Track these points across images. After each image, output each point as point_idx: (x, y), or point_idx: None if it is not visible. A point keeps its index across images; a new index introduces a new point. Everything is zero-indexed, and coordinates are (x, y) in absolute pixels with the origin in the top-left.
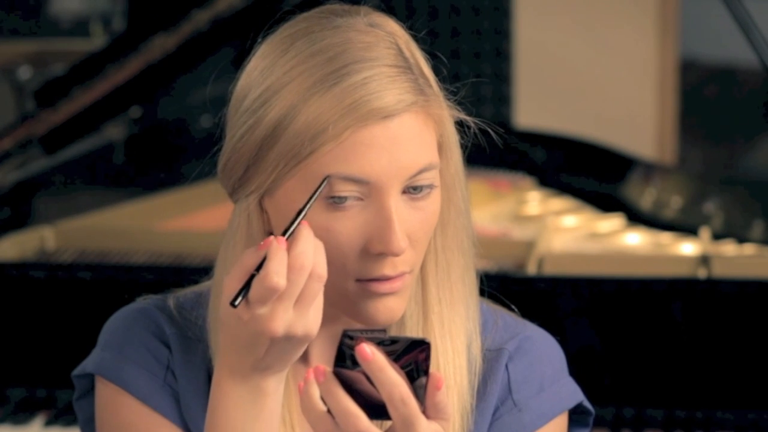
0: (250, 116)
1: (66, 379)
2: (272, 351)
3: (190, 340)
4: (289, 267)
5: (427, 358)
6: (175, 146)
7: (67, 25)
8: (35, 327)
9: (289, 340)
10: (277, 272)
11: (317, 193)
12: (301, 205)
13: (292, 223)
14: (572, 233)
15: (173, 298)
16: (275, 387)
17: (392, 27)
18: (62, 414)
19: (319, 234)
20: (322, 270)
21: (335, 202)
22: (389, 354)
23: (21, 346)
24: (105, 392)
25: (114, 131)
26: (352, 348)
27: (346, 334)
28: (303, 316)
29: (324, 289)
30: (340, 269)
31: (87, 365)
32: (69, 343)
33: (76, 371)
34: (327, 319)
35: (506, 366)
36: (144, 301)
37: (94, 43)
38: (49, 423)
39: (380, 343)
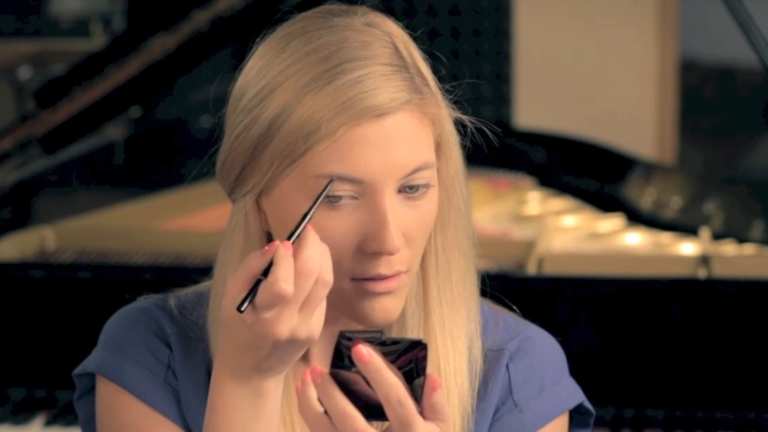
0: (246, 115)
1: (66, 379)
2: (274, 354)
3: (191, 339)
4: (296, 272)
5: (425, 359)
6: (175, 146)
7: (67, 25)
8: (35, 327)
9: (292, 343)
10: (285, 279)
11: (321, 196)
12: (297, 205)
13: (297, 226)
14: (572, 233)
15: (174, 298)
16: (275, 388)
17: (389, 26)
18: (62, 414)
19: None
20: (329, 275)
21: (330, 201)
22: (386, 355)
23: (21, 346)
24: (106, 391)
25: (114, 131)
26: (349, 349)
27: (343, 335)
28: (307, 321)
29: None
30: (335, 268)
31: (88, 364)
32: (69, 343)
33: (77, 370)
34: (327, 319)
35: (507, 366)
36: (145, 301)
37: (94, 43)
38: (49, 423)
39: (377, 344)
